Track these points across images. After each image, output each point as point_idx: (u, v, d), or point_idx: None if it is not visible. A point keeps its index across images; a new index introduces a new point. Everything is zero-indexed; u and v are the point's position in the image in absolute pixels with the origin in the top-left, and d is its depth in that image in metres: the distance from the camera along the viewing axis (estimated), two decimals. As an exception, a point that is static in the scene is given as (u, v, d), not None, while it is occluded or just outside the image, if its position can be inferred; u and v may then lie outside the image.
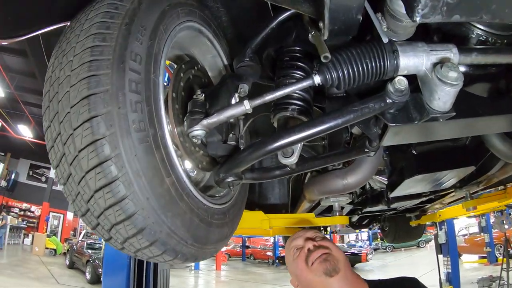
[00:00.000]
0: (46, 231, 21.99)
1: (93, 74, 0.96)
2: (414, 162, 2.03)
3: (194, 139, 1.25)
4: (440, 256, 10.21)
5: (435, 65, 1.03)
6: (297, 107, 1.35)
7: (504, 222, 11.52)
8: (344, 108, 1.16)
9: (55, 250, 20.37)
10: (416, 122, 1.12)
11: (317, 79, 1.12)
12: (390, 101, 1.08)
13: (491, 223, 13.46)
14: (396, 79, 1.06)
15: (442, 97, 1.03)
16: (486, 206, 4.32)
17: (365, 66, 1.06)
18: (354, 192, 3.00)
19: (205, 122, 1.22)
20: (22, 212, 23.90)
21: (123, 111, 0.95)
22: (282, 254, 23.59)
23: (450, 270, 9.89)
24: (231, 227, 1.53)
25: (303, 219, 3.14)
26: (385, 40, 1.06)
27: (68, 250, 17.99)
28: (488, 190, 4.15)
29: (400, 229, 5.99)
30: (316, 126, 1.15)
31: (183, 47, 1.52)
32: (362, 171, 1.86)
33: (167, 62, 1.41)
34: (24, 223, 23.16)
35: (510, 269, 11.71)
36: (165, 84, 1.24)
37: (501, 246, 12.95)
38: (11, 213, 22.73)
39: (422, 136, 1.41)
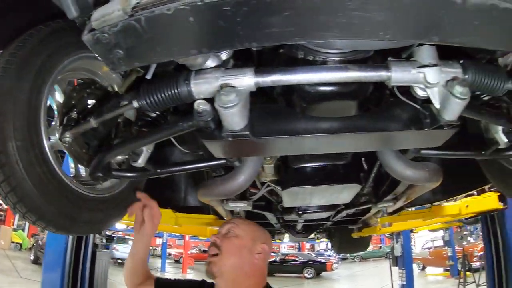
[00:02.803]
0: (13, 225, 21.61)
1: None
2: (290, 174, 2.09)
3: (64, 144, 1.52)
4: (396, 268, 10.35)
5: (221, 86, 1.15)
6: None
7: (463, 237, 11.76)
8: (163, 126, 1.49)
9: (20, 244, 20.01)
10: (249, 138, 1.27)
11: (135, 104, 1.30)
12: (195, 121, 1.23)
13: (453, 238, 13.71)
14: (196, 102, 1.19)
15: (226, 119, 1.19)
16: (411, 224, 4.46)
17: (164, 94, 1.21)
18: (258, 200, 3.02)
19: (67, 133, 1.50)
20: (-12, 205, 23.44)
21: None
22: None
23: (405, 283, 10.01)
24: (110, 214, 1.79)
25: (206, 221, 3.27)
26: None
27: (33, 245, 17.70)
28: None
29: (344, 240, 6.04)
30: (145, 137, 1.50)
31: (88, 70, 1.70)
32: (236, 179, 1.93)
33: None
34: (-9, 216, 22.74)
35: (467, 283, 11.96)
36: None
37: (464, 260, 13.19)
38: (-23, 206, 22.27)
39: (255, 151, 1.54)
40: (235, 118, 1.18)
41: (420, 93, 1.25)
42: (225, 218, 3.17)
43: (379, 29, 0.88)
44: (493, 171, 2.23)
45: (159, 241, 23.07)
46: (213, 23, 0.89)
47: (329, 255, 26.17)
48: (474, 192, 5.13)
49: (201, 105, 1.18)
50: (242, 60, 1.28)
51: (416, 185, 2.46)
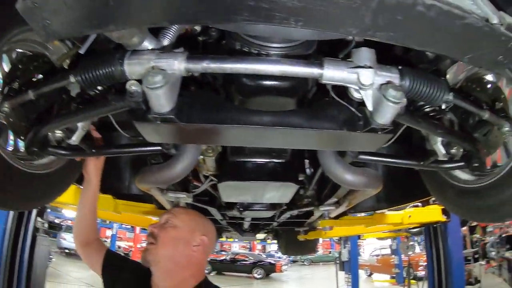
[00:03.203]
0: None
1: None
2: (227, 168, 2.08)
3: (2, 114, 1.50)
4: (343, 273, 10.58)
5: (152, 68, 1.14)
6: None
7: (408, 247, 12.13)
8: (96, 103, 1.43)
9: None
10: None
11: (71, 79, 1.28)
12: (127, 102, 1.20)
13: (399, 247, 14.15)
14: (128, 83, 1.17)
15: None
16: (355, 229, 4.56)
17: (99, 71, 1.20)
18: (202, 194, 2.96)
19: (6, 103, 1.48)
20: None
21: None
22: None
23: (350, 287, 10.24)
24: (46, 191, 1.87)
25: (146, 210, 3.22)
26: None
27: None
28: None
29: (290, 242, 6.08)
30: (78, 114, 1.50)
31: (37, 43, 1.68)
32: (172, 168, 1.93)
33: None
34: None
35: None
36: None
37: (409, 269, 13.65)
38: None
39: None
40: (160, 100, 1.17)
41: (356, 95, 1.24)
42: (166, 209, 3.08)
43: (289, 14, 0.86)
44: (434, 183, 2.25)
45: (109, 232, 22.43)
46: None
47: (279, 257, 26.24)
48: (419, 204, 5.32)
49: (132, 86, 1.17)
50: (187, 49, 1.25)
51: (356, 190, 2.49)
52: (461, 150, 1.88)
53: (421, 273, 13.92)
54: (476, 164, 1.77)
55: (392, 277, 17.23)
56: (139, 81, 1.16)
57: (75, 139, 1.63)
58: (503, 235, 13.12)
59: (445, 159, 1.91)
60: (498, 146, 1.80)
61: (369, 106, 1.24)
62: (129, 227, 21.37)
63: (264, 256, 27.16)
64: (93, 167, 1.97)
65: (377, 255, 21.17)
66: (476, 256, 14.50)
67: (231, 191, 2.33)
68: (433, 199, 5.20)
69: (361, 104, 1.29)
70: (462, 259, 6.13)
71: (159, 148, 1.72)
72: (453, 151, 1.90)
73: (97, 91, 1.48)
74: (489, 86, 1.74)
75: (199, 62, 1.14)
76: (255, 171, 2.06)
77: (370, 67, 1.18)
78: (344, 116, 1.37)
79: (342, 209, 3.07)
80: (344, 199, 2.81)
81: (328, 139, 1.46)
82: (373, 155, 1.86)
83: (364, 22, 0.89)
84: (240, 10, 0.85)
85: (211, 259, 22.90)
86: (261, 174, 2.06)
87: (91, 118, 1.57)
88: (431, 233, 5.88)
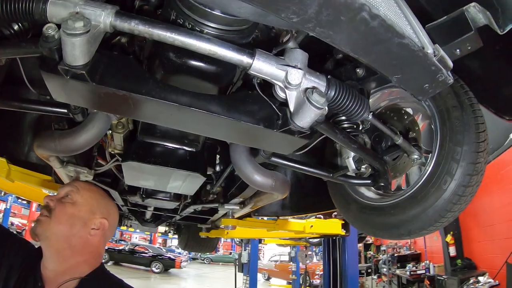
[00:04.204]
0: None
1: None
2: (134, 148, 1.94)
3: None
4: (241, 274, 10.74)
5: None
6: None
7: (306, 256, 12.66)
8: (7, 41, 1.29)
9: None
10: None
11: None
12: (41, 47, 1.09)
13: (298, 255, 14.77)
14: (46, 25, 1.06)
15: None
16: (257, 232, 4.63)
17: (19, 4, 1.06)
18: (104, 175, 2.80)
19: None
20: None
21: None
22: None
23: (248, 288, 10.41)
24: None
25: (42, 181, 2.84)
26: None
27: None
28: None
29: (192, 238, 6.03)
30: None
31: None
32: (77, 137, 1.75)
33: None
34: None
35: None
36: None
37: (305, 276, 14.39)
38: None
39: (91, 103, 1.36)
40: (75, 51, 1.06)
41: (280, 94, 1.25)
42: (64, 183, 2.81)
43: None
44: (339, 197, 2.33)
45: (1, 206, 20.30)
46: None
47: (179, 253, 25.89)
48: (321, 216, 5.59)
49: (50, 29, 1.06)
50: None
51: (263, 193, 2.49)
52: (370, 169, 1.99)
53: (317, 281, 14.88)
54: (382, 184, 1.89)
55: (289, 283, 17.90)
56: (59, 26, 1.05)
57: None
58: (395, 255, 14.96)
59: (353, 174, 2.00)
60: (404, 171, 1.95)
61: (291, 107, 1.25)
62: (25, 202, 19.66)
63: (164, 250, 26.58)
64: None
65: (276, 261, 21.88)
66: (369, 270, 16.39)
67: (135, 173, 2.18)
68: (335, 213, 5.54)
69: (283, 104, 1.30)
70: (357, 272, 6.56)
71: (65, 111, 1.59)
72: (362, 169, 2.03)
73: (11, 31, 1.35)
74: (406, 117, 1.87)
75: (127, 20, 1.06)
76: (163, 156, 1.94)
77: (300, 69, 1.20)
78: (264, 112, 1.35)
79: (246, 210, 3.07)
80: (250, 200, 2.80)
81: (243, 132, 1.40)
82: (286, 159, 1.87)
83: (307, 13, 0.88)
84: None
85: (109, 248, 22.05)
86: (169, 159, 1.95)
87: None
88: (330, 244, 6.20)
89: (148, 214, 4.62)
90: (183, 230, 6.59)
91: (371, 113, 1.43)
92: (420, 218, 1.67)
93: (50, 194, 1.70)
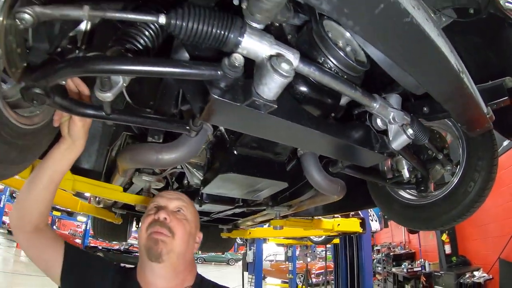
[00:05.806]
0: None
1: None
2: (232, 160, 2.04)
3: (18, 22, 0.99)
4: (246, 273, 10.90)
5: (272, 56, 1.05)
6: (134, 46, 1.23)
7: (308, 255, 12.93)
8: (176, 60, 1.15)
9: None
10: (239, 104, 1.12)
11: (161, 19, 1.02)
12: (222, 72, 1.05)
13: (297, 254, 15.01)
14: (234, 54, 1.04)
15: (269, 84, 1.06)
16: (293, 231, 4.84)
17: (209, 28, 1.02)
18: (170, 184, 2.98)
19: (38, 9, 0.99)
20: None
21: None
22: (92, 244, 22.06)
23: (253, 287, 10.57)
24: (26, 153, 1.36)
25: (111, 190, 2.73)
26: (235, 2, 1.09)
27: None
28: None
29: (211, 238, 6.00)
30: (141, 64, 1.03)
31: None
32: (179, 151, 1.77)
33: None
34: None
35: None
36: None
37: (302, 275, 14.66)
38: None
39: (243, 127, 1.43)
40: (278, 87, 1.08)
41: (380, 124, 1.55)
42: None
43: None
44: (381, 198, 2.69)
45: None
46: None
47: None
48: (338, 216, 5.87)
49: (239, 59, 1.03)
50: None
51: (318, 196, 2.76)
52: (414, 177, 2.41)
53: (313, 280, 15.12)
54: (422, 188, 2.35)
55: (285, 282, 18.00)
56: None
57: (110, 95, 1.18)
58: (391, 254, 15.42)
59: (406, 181, 2.42)
60: (436, 178, 2.39)
61: (390, 135, 1.56)
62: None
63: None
64: (81, 128, 1.40)
65: (271, 260, 22.02)
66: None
67: (223, 183, 2.26)
68: (352, 213, 5.87)
69: (381, 132, 1.59)
70: (371, 266, 7.06)
71: (185, 126, 1.53)
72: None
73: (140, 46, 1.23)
74: (440, 137, 2.35)
75: (308, 65, 1.15)
76: (258, 167, 2.12)
77: (401, 111, 1.54)
78: (364, 135, 1.61)
79: (291, 211, 3.29)
80: (301, 202, 3.01)
81: (346, 149, 1.63)
82: (356, 169, 2.22)
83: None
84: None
85: (103, 247, 21.92)
86: (263, 170, 2.12)
87: (149, 75, 1.08)
88: (347, 242, 6.58)
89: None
90: (202, 231, 6.28)
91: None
92: (451, 213, 2.14)
93: (161, 209, 1.61)
